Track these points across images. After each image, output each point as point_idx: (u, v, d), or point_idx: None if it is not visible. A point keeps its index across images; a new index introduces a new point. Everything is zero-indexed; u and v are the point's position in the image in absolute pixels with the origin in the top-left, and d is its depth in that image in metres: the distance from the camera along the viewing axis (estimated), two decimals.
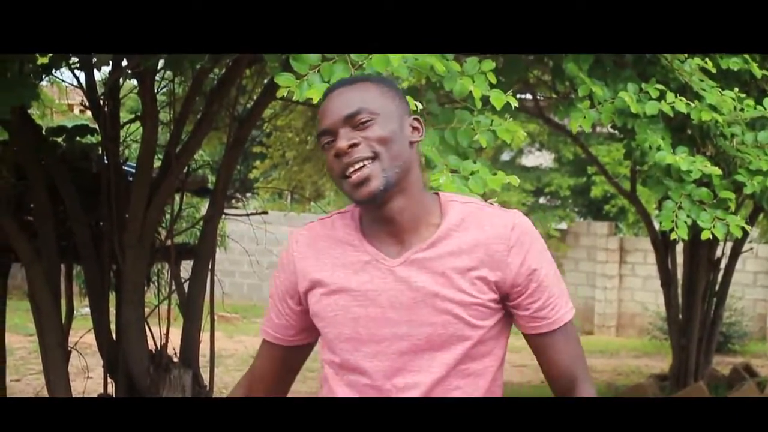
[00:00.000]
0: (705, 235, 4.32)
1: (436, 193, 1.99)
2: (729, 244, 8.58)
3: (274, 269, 2.08)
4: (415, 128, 1.96)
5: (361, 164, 1.86)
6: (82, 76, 5.18)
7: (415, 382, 1.91)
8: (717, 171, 4.35)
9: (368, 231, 1.95)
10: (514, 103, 3.53)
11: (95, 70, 5.23)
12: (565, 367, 1.99)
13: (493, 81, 3.54)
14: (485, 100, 3.53)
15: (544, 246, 1.98)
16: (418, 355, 1.91)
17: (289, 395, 2.20)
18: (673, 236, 4.31)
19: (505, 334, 2.01)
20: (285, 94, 3.18)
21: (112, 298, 5.39)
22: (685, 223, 4.32)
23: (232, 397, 2.20)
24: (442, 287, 1.89)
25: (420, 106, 3.15)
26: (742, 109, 4.58)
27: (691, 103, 4.37)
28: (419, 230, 1.92)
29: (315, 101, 3.02)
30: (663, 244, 8.60)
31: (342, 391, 1.97)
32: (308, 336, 2.08)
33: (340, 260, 1.95)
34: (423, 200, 1.94)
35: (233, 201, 7.05)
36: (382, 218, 1.92)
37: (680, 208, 4.36)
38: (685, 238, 4.30)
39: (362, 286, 1.92)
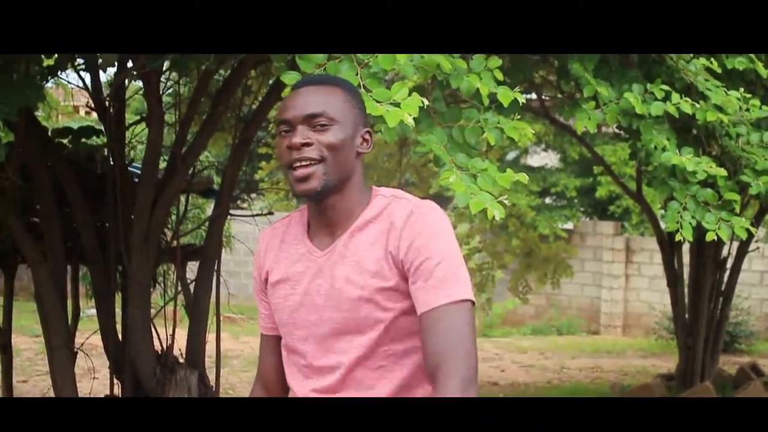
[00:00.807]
0: (709, 237, 4.31)
1: (371, 188, 2.15)
2: (735, 244, 8.56)
3: None
4: (365, 140, 2.12)
5: (307, 162, 2.04)
6: (87, 77, 5.19)
7: (338, 362, 2.07)
8: (722, 172, 4.34)
9: (311, 226, 2.15)
10: (522, 100, 3.52)
11: (101, 72, 5.24)
12: (434, 353, 1.95)
13: (500, 78, 3.53)
14: (492, 98, 3.52)
15: (440, 233, 2.03)
16: (339, 338, 2.07)
17: None
18: (677, 237, 4.30)
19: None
20: None
21: (118, 299, 5.40)
22: (690, 224, 4.31)
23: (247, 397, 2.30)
24: (357, 274, 2.04)
25: (426, 102, 3.14)
26: (747, 109, 4.57)
27: (696, 103, 4.35)
28: (345, 223, 2.10)
29: None
30: (669, 244, 8.58)
31: (290, 370, 2.18)
32: None
33: (285, 254, 2.17)
34: (358, 198, 2.11)
35: (239, 202, 7.05)
36: (317, 211, 2.11)
37: (685, 209, 4.35)
38: (690, 239, 4.29)
39: (296, 276, 2.13)
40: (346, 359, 2.06)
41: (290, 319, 2.14)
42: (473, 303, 1.98)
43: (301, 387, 2.14)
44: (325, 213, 2.10)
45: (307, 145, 2.03)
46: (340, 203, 2.09)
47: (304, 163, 2.04)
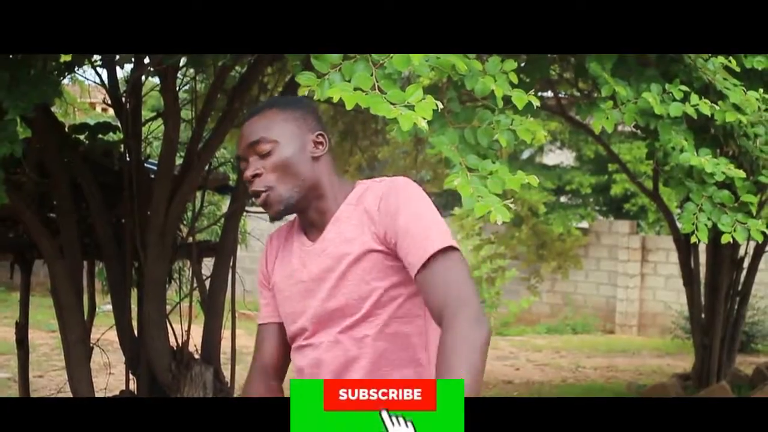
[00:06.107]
0: (725, 239, 4.28)
1: (351, 183, 2.27)
2: (752, 243, 8.51)
3: None
4: (318, 143, 2.24)
5: (260, 191, 2.19)
6: (104, 73, 5.21)
7: (335, 338, 2.18)
8: (741, 174, 4.30)
9: (306, 226, 2.29)
10: (537, 103, 3.51)
11: (117, 68, 5.25)
12: (437, 304, 2.01)
13: (515, 81, 3.52)
14: (506, 99, 3.51)
15: (413, 196, 2.14)
16: (335, 313, 2.18)
17: None
18: (693, 240, 4.28)
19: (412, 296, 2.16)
20: (306, 93, 3.18)
21: (134, 295, 5.42)
22: (706, 226, 4.28)
23: (249, 394, 2.36)
24: (343, 254, 2.16)
25: (440, 106, 3.13)
26: (766, 110, 4.53)
27: (715, 105, 4.32)
28: (329, 216, 2.23)
29: (335, 100, 3.02)
30: (685, 243, 8.54)
31: (294, 356, 2.29)
32: None
33: (286, 251, 2.31)
34: (337, 193, 2.24)
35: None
36: (300, 216, 2.28)
37: (701, 210, 4.32)
38: (706, 241, 4.27)
39: (293, 268, 2.26)
40: (343, 334, 2.18)
41: (290, 307, 2.27)
42: (457, 249, 2.07)
43: (302, 365, 2.24)
44: (307, 214, 2.26)
45: (258, 176, 2.19)
46: (318, 204, 2.24)
47: (258, 192, 2.19)
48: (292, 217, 2.31)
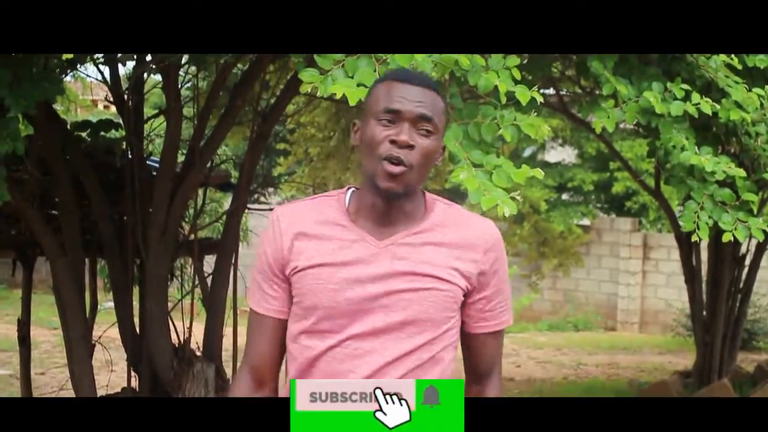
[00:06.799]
0: (726, 238, 4.28)
1: (422, 192, 2.17)
2: (754, 241, 8.51)
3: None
4: (441, 154, 2.15)
5: (405, 165, 2.03)
6: (106, 71, 5.20)
7: (382, 347, 2.04)
8: (741, 173, 4.30)
9: (356, 214, 2.12)
10: (540, 99, 3.51)
11: (120, 65, 5.26)
12: (486, 365, 2.20)
13: (518, 77, 3.52)
14: (509, 96, 3.51)
15: (506, 261, 2.21)
16: (390, 325, 2.05)
17: None
18: (694, 238, 4.28)
19: (459, 329, 2.18)
20: (309, 90, 3.18)
21: (135, 292, 5.42)
22: (707, 224, 4.28)
23: (239, 395, 2.15)
24: (421, 271, 2.06)
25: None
26: None
27: (716, 104, 4.32)
28: (406, 221, 2.11)
29: (338, 96, 3.02)
30: (687, 241, 8.53)
31: (314, 344, 2.06)
32: None
33: (326, 237, 2.09)
34: (420, 201, 2.15)
35: (256, 196, 7.07)
36: (385, 207, 2.09)
37: (702, 208, 4.32)
38: (706, 239, 4.26)
39: (347, 260, 2.07)
40: (393, 349, 2.05)
41: (332, 302, 2.06)
42: None
43: (332, 370, 2.05)
44: (390, 211, 2.09)
45: (411, 147, 2.04)
46: (407, 205, 2.10)
47: (404, 163, 2.03)
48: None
